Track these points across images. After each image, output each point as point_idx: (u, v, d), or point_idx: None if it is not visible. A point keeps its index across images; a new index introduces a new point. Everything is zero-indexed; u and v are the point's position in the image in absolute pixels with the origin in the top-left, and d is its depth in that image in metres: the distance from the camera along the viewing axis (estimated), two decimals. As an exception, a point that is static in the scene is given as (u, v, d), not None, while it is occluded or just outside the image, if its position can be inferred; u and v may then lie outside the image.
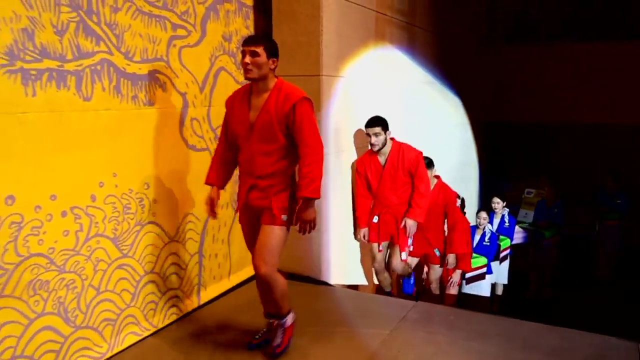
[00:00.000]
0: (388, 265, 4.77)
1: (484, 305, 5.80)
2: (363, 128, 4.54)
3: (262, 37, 3.09)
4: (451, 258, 5.10)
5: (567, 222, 7.52)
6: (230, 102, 3.21)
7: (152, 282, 3.53)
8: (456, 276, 5.31)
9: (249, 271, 4.33)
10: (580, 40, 9.03)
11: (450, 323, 3.83)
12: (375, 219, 4.68)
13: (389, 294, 4.88)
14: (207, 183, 3.30)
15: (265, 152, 3.01)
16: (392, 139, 4.57)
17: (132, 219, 3.35)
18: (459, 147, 7.76)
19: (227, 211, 4.21)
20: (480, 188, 8.66)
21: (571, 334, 3.64)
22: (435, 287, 5.41)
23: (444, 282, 5.40)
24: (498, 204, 6.68)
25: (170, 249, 3.66)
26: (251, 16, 4.33)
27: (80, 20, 2.94)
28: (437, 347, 3.44)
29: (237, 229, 3.57)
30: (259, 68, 2.93)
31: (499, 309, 6.48)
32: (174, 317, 3.72)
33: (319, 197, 3.00)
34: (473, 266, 5.59)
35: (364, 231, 4.73)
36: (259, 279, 3.12)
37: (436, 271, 5.34)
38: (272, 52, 2.98)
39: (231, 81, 4.11)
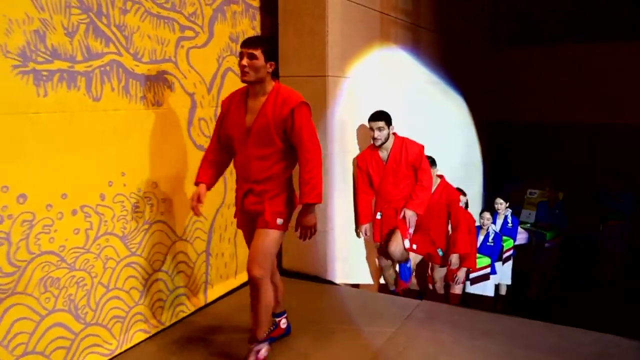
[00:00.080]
0: (386, 250, 4.70)
1: (488, 305, 5.82)
2: (366, 123, 4.58)
3: (260, 40, 3.04)
4: (454, 258, 5.08)
5: (570, 223, 7.53)
6: (226, 104, 3.16)
7: (160, 280, 3.58)
8: (461, 274, 5.32)
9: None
10: (583, 41, 9.03)
11: (454, 322, 3.85)
12: (379, 216, 4.71)
13: (393, 292, 4.91)
14: (196, 182, 3.19)
15: (262, 156, 2.97)
16: (394, 133, 4.60)
17: (140, 218, 3.39)
18: (462, 147, 7.77)
19: (234, 210, 4.24)
20: (484, 188, 8.68)
21: (574, 333, 3.66)
22: (439, 287, 5.43)
23: (448, 280, 5.42)
24: (501, 204, 6.69)
25: (178, 247, 3.71)
26: (258, 17, 4.37)
27: (90, 22, 2.99)
28: (442, 346, 3.47)
29: (244, 228, 3.61)
30: (256, 71, 2.89)
31: (502, 308, 6.50)
32: (182, 315, 3.76)
33: (321, 203, 2.99)
34: (477, 266, 5.61)
35: (365, 227, 4.73)
36: (250, 283, 3.07)
37: (440, 271, 5.36)
38: (270, 55, 2.94)
39: (238, 82, 4.05)
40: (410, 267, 4.74)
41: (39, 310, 2.80)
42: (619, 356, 3.37)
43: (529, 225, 7.67)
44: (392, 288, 4.94)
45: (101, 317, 3.16)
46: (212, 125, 3.94)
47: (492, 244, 6.09)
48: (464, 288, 5.67)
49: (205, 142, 3.87)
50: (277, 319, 3.44)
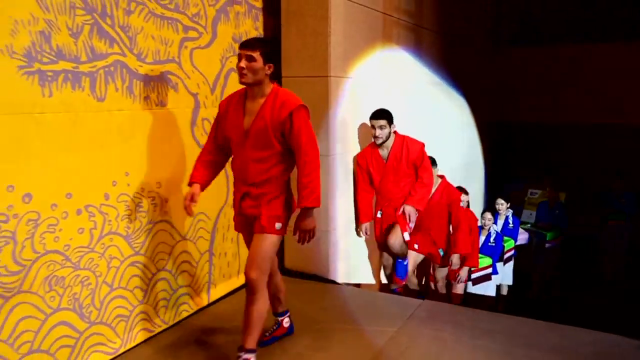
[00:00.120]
0: (385, 244, 4.70)
1: (489, 305, 5.83)
2: (368, 122, 4.58)
3: (258, 42, 2.98)
4: (455, 258, 5.09)
5: (571, 223, 7.54)
6: (224, 106, 3.13)
7: (164, 279, 3.60)
8: (463, 273, 5.34)
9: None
10: (585, 41, 9.05)
11: (456, 321, 3.87)
12: (379, 214, 4.72)
13: (395, 292, 4.93)
14: (190, 182, 3.15)
15: (259, 158, 2.95)
16: (394, 132, 4.61)
17: (144, 218, 3.41)
18: (464, 147, 7.79)
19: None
20: (485, 188, 8.69)
21: (574, 332, 3.68)
22: (441, 286, 5.45)
23: (450, 279, 5.43)
24: (502, 205, 6.70)
25: (181, 247, 3.73)
26: (260, 18, 4.39)
27: (95, 23, 3.01)
28: (444, 345, 3.49)
29: (247, 227, 3.62)
30: (254, 73, 2.86)
31: (504, 308, 6.51)
32: (185, 314, 3.78)
33: (319, 206, 2.98)
34: (479, 266, 5.63)
35: (365, 226, 4.74)
36: (247, 287, 3.00)
37: (441, 271, 5.37)
38: (269, 57, 2.90)
39: (241, 82, 4.17)
40: (407, 265, 4.74)
41: (44, 309, 2.82)
42: (619, 356, 3.39)
43: (529, 225, 7.69)
44: (394, 287, 4.95)
45: (105, 316, 3.18)
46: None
47: (493, 244, 6.11)
48: (465, 288, 5.69)
49: (209, 143, 3.90)
50: (280, 318, 3.46)
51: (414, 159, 4.53)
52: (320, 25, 4.29)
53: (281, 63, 4.44)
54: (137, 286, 3.39)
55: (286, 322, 3.49)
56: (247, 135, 2.96)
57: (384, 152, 4.59)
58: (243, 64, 2.85)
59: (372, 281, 5.16)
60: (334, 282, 4.57)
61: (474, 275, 5.81)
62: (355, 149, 4.81)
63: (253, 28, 4.30)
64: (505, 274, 6.53)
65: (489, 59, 8.89)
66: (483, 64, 8.57)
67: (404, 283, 4.85)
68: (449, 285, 5.52)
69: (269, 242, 2.98)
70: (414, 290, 5.28)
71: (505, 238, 6.49)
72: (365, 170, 4.65)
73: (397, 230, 4.56)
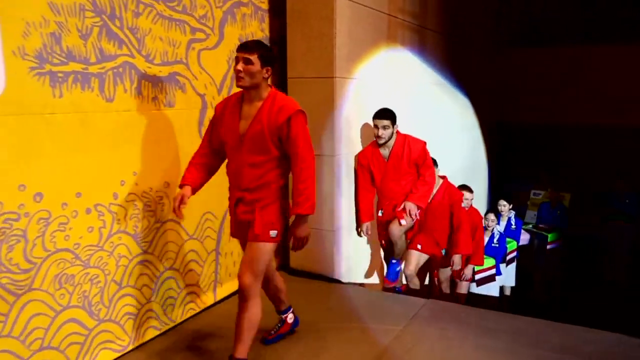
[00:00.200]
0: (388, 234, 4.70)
1: (492, 305, 5.86)
2: (371, 122, 4.61)
3: (257, 44, 2.89)
4: (456, 259, 5.09)
5: (573, 223, 7.57)
6: (221, 108, 3.09)
7: (171, 278, 3.64)
8: (468, 271, 5.35)
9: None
10: (585, 42, 9.08)
11: (460, 320, 3.90)
12: (380, 213, 4.74)
13: (399, 291, 4.95)
14: (181, 184, 3.10)
15: (255, 163, 2.90)
16: (397, 131, 4.63)
17: (151, 217, 3.46)
18: (467, 147, 7.82)
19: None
20: (489, 189, 8.71)
21: (578, 331, 3.70)
22: (445, 287, 5.47)
23: (455, 278, 5.45)
24: (504, 206, 6.72)
25: (188, 246, 3.77)
26: (266, 19, 4.43)
27: (104, 25, 3.05)
28: (449, 343, 3.52)
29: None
30: (251, 76, 2.82)
31: (507, 308, 6.52)
32: (192, 313, 3.83)
33: (314, 214, 2.94)
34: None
35: (366, 225, 4.74)
36: (239, 293, 2.96)
37: (445, 271, 5.39)
38: (267, 60, 2.86)
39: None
40: (398, 271, 4.72)
41: (54, 306, 2.86)
42: (622, 354, 3.41)
43: (530, 226, 7.70)
44: (398, 286, 4.98)
45: (114, 314, 3.22)
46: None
47: (497, 245, 6.13)
48: (469, 288, 5.70)
49: (216, 143, 3.94)
50: (284, 316, 3.47)
51: (416, 158, 4.54)
52: (325, 26, 4.32)
53: (287, 64, 4.48)
54: (145, 284, 3.43)
55: (290, 318, 3.50)
56: (243, 139, 2.92)
57: (385, 151, 4.60)
58: (240, 66, 2.81)
59: (377, 280, 5.19)
60: (338, 282, 4.60)
61: (478, 276, 5.82)
62: (359, 149, 4.84)
63: (259, 29, 4.34)
64: (508, 275, 6.55)
65: (492, 60, 8.92)
66: (486, 65, 8.60)
67: (392, 286, 4.85)
68: (453, 285, 5.54)
69: (263, 250, 2.93)
70: (418, 290, 5.29)
71: (508, 239, 6.50)
72: (367, 169, 4.65)
73: (397, 220, 4.58)
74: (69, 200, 2.90)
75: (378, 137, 4.50)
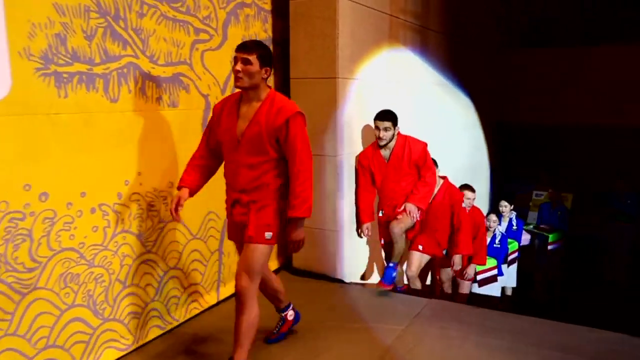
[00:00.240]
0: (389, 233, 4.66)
1: (494, 305, 5.86)
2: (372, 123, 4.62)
3: (255, 45, 2.86)
4: (457, 259, 5.10)
5: (574, 224, 7.58)
6: (219, 109, 3.06)
7: (175, 277, 3.66)
8: (471, 270, 5.36)
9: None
10: (586, 42, 9.10)
11: (462, 320, 3.91)
12: (380, 213, 4.75)
13: (400, 291, 4.96)
14: (179, 186, 3.08)
15: (252, 164, 2.88)
16: (397, 133, 4.64)
17: (155, 217, 3.47)
18: (469, 148, 7.83)
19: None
20: (491, 189, 8.72)
21: (581, 331, 3.72)
22: (447, 287, 5.48)
23: (457, 277, 5.45)
24: (505, 207, 6.72)
25: (192, 246, 3.79)
26: (269, 20, 4.45)
27: (108, 26, 3.07)
28: (451, 342, 3.54)
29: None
30: (250, 77, 2.79)
31: (508, 308, 6.53)
32: (195, 312, 3.84)
33: (310, 217, 2.92)
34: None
35: (366, 226, 4.73)
36: (236, 296, 2.94)
37: (447, 272, 5.41)
38: (266, 61, 2.83)
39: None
40: (395, 276, 4.71)
41: (59, 305, 2.88)
42: (624, 353, 3.43)
43: (531, 227, 7.71)
44: (399, 286, 4.99)
45: (118, 313, 3.24)
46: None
47: (498, 245, 6.14)
48: (470, 288, 5.72)
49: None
50: (284, 314, 3.48)
51: (416, 159, 4.54)
52: (328, 27, 4.34)
53: (289, 64, 4.50)
54: (148, 284, 3.45)
55: (290, 315, 3.50)
56: (240, 141, 2.89)
57: (385, 152, 4.60)
58: (239, 67, 2.79)
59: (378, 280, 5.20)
60: (341, 282, 4.62)
61: (480, 277, 5.83)
62: (361, 150, 4.84)
63: (262, 30, 4.36)
64: (509, 276, 6.56)
65: (495, 60, 8.93)
66: (489, 65, 8.61)
67: (388, 289, 4.83)
68: (455, 285, 5.55)
69: (258, 252, 2.91)
70: (420, 290, 5.30)
71: (509, 240, 6.51)
72: (367, 170, 4.65)
73: (398, 217, 4.57)
74: (73, 200, 2.92)
75: (379, 138, 4.50)
